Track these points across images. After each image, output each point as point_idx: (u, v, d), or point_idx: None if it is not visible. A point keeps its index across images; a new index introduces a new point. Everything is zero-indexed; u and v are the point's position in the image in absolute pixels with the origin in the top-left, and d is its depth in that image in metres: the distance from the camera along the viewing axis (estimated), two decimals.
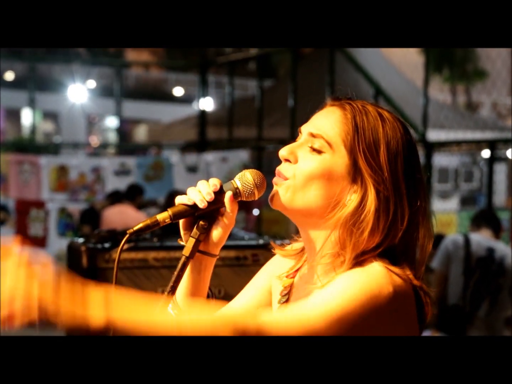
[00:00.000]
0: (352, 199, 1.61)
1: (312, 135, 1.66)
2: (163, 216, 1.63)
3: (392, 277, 1.57)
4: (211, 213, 1.67)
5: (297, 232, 1.80)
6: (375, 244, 1.61)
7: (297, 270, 1.80)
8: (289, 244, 1.85)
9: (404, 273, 1.59)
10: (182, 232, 1.70)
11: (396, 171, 1.61)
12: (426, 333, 5.87)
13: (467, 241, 6.06)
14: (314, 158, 1.64)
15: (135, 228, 1.62)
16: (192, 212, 1.65)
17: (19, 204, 9.51)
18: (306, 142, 1.67)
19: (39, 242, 9.50)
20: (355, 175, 1.62)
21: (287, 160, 1.67)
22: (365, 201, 1.61)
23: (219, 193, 1.66)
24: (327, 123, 1.65)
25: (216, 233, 1.68)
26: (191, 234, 1.67)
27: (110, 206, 8.63)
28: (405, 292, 1.58)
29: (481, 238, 6.09)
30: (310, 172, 1.63)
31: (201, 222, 1.66)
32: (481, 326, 5.85)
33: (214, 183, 1.65)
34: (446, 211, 11.07)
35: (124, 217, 8.08)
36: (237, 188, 1.68)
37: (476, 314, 5.90)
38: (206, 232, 1.67)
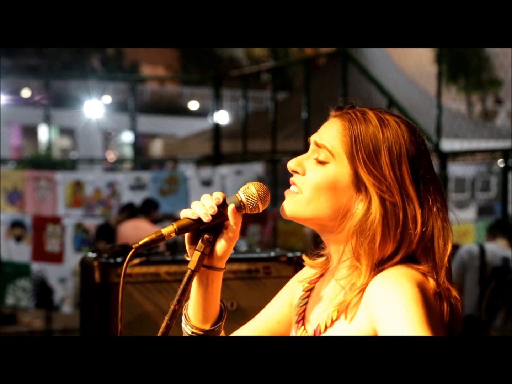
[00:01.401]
0: (359, 207, 1.63)
1: (317, 145, 1.68)
2: (168, 230, 1.65)
3: (413, 267, 1.59)
4: (215, 226, 1.68)
5: (314, 244, 1.82)
6: (390, 252, 1.61)
7: (319, 277, 1.82)
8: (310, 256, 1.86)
9: (424, 270, 1.60)
10: (187, 246, 1.71)
11: (402, 175, 1.61)
12: None
13: (482, 251, 6.03)
14: (319, 170, 1.66)
15: (140, 243, 1.64)
16: (196, 225, 1.66)
17: (35, 220, 9.55)
18: (312, 153, 1.70)
19: (56, 257, 9.53)
20: (358, 184, 1.63)
21: (295, 171, 1.69)
22: (370, 210, 1.61)
23: (223, 207, 1.67)
24: (330, 134, 1.68)
25: (221, 246, 1.69)
26: (196, 248, 1.68)
27: (125, 221, 8.66)
28: (425, 282, 1.58)
29: (496, 248, 6.07)
30: (316, 183, 1.66)
31: (205, 236, 1.67)
32: None
33: (217, 196, 1.66)
34: (463, 221, 11.00)
35: (139, 231, 8.10)
36: (241, 201, 1.68)
37: (492, 324, 5.86)
38: (211, 245, 1.68)
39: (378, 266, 1.61)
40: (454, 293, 1.61)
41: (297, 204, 1.68)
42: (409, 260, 1.62)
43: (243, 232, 9.61)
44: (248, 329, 1.87)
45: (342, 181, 1.64)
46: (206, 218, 1.64)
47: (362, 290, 1.60)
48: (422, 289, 1.55)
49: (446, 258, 1.62)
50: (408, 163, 1.62)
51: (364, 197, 1.63)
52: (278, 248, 3.79)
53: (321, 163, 1.66)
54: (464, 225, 9.92)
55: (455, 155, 8.43)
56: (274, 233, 9.90)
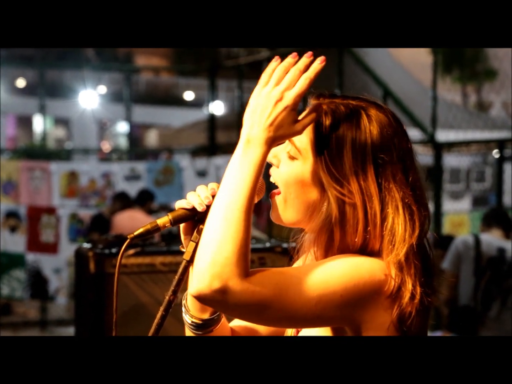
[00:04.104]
0: (324, 206, 1.62)
1: (290, 141, 1.68)
2: (163, 221, 1.64)
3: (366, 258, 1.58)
4: None
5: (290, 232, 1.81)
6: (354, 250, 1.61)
7: None
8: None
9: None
10: (182, 237, 1.71)
11: (365, 173, 1.59)
12: (438, 334, 5.86)
13: (477, 242, 6.04)
14: (289, 165, 1.66)
15: (135, 233, 1.64)
16: (192, 216, 1.66)
17: (30, 211, 9.54)
18: (286, 146, 1.69)
19: (51, 248, 9.53)
20: (322, 184, 1.62)
21: (271, 163, 1.69)
22: (328, 211, 1.60)
23: None
24: None
25: None
26: (191, 238, 1.67)
27: (120, 212, 8.65)
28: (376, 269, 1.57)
29: (492, 238, 6.07)
30: (285, 180, 1.66)
31: (201, 226, 1.66)
32: (492, 327, 5.83)
33: (212, 187, 1.66)
34: (457, 212, 11.02)
35: (134, 222, 8.08)
36: None
37: (488, 315, 5.87)
38: None
39: None
40: (410, 287, 1.56)
41: (280, 207, 1.68)
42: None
43: None
44: None
45: (309, 178, 1.63)
46: (200, 208, 1.64)
47: None
48: (368, 271, 1.56)
49: (402, 254, 1.57)
50: (373, 161, 1.60)
51: (327, 197, 1.61)
52: (273, 239, 3.78)
53: (291, 158, 1.66)
54: (459, 216, 9.94)
55: (450, 145, 8.43)
56: (269, 224, 9.91)
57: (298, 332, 1.70)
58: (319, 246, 1.63)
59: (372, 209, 1.59)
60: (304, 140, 1.64)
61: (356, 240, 1.59)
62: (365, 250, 1.60)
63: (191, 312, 1.74)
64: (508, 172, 8.23)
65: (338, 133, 1.61)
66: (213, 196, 1.65)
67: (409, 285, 1.56)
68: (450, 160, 11.63)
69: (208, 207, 1.64)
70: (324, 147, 1.61)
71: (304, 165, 1.64)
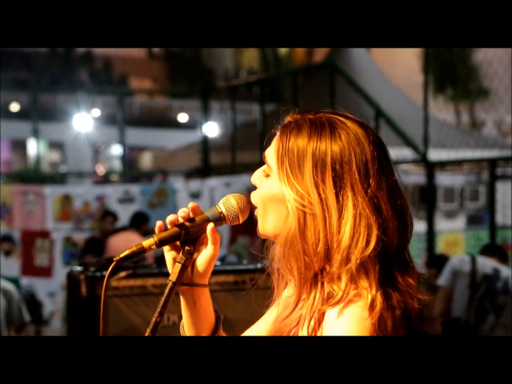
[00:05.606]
0: (289, 218, 1.62)
1: (264, 158, 1.70)
2: (149, 243, 1.66)
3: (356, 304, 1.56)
4: (195, 239, 1.69)
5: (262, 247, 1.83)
6: (323, 264, 1.60)
7: None
8: None
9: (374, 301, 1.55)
10: (168, 259, 1.73)
11: (324, 182, 1.59)
12: None
13: (473, 260, 6.11)
14: (265, 183, 1.68)
15: (121, 256, 1.65)
16: (177, 237, 1.67)
17: (24, 235, 9.53)
18: (264, 166, 1.71)
19: (45, 271, 9.51)
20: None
21: (256, 185, 1.72)
22: (290, 224, 1.61)
23: (203, 221, 1.69)
24: (271, 147, 1.69)
25: (201, 263, 1.71)
26: (177, 260, 1.69)
27: (115, 234, 8.64)
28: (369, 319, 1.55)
29: (487, 260, 6.16)
30: (260, 197, 1.68)
31: (186, 247, 1.68)
32: None
33: (191, 206, 1.70)
34: (452, 231, 11.03)
35: (129, 245, 7.99)
36: (221, 212, 1.70)
37: (481, 330, 5.89)
38: (191, 257, 1.69)
39: (315, 278, 1.62)
40: (368, 300, 1.55)
41: (259, 221, 1.70)
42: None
43: (232, 243, 9.61)
44: (260, 325, 1.86)
45: (279, 194, 1.64)
46: (180, 217, 1.68)
47: (319, 316, 1.61)
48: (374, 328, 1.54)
49: (353, 265, 1.55)
50: (332, 171, 1.59)
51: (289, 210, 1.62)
52: (266, 260, 3.78)
53: (266, 175, 1.69)
54: (453, 235, 9.95)
55: (443, 165, 8.46)
56: (263, 244, 9.89)
57: (289, 333, 1.69)
58: (288, 260, 1.63)
59: (331, 219, 1.58)
60: (272, 157, 1.67)
61: (318, 250, 1.58)
62: (329, 259, 1.60)
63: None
64: (500, 190, 8.25)
65: (299, 146, 1.62)
66: (203, 221, 1.68)
67: (366, 299, 1.54)
68: (443, 179, 11.65)
69: (193, 228, 1.66)
70: (287, 161, 1.63)
71: (275, 181, 1.65)
